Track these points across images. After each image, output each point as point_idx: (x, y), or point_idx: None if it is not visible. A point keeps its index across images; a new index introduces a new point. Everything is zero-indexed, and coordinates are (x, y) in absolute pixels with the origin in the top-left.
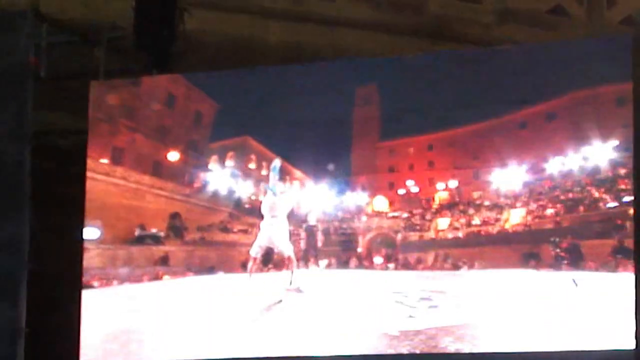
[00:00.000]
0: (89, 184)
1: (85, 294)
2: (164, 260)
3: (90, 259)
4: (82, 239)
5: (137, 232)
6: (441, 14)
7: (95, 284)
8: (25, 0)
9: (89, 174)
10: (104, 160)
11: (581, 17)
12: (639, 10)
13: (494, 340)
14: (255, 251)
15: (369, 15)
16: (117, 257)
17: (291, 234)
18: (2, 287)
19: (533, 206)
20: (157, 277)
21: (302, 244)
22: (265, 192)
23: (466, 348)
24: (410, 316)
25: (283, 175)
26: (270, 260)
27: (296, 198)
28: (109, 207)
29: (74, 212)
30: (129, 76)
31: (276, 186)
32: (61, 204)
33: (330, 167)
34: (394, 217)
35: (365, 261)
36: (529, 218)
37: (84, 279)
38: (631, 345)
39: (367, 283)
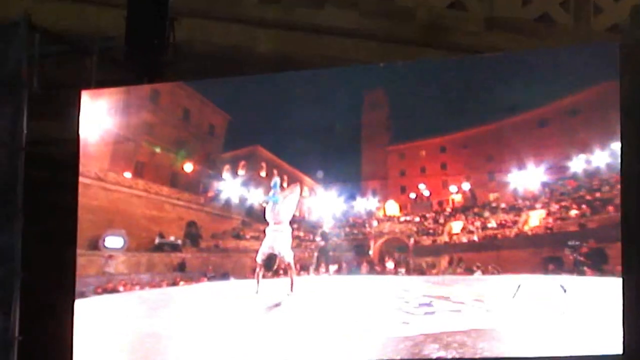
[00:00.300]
0: (114, 196)
1: (99, 300)
2: (182, 267)
3: (117, 265)
4: (75, 247)
5: (156, 240)
6: (429, 22)
7: (121, 288)
8: (18, 10)
9: (114, 187)
10: (128, 174)
11: (568, 24)
12: (626, 18)
13: (482, 347)
14: (260, 257)
15: (357, 23)
16: (140, 263)
17: (303, 241)
18: None
19: (555, 207)
20: (174, 283)
21: (315, 250)
22: (267, 204)
23: (450, 355)
24: (404, 322)
25: (283, 189)
26: (272, 266)
27: (297, 203)
28: (133, 218)
29: (66, 220)
30: (121, 85)
31: (278, 196)
32: (53, 213)
33: (321, 173)
34: (405, 221)
35: (377, 266)
36: (551, 220)
37: (111, 284)
38: (618, 350)
39: (372, 289)
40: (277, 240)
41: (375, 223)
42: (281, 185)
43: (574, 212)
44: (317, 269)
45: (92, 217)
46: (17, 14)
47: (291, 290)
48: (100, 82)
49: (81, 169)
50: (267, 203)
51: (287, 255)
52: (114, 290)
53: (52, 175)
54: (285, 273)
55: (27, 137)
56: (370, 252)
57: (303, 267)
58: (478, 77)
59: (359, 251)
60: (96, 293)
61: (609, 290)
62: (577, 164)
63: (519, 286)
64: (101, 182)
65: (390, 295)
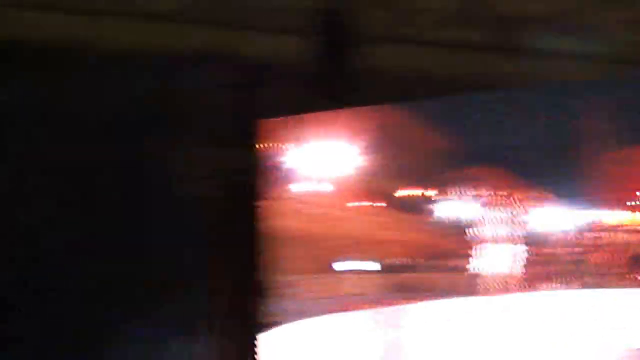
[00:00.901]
0: (363, 225)
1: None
2: (403, 286)
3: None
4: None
5: (383, 262)
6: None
7: (352, 307)
8: (198, 41)
9: (366, 217)
10: (364, 203)
11: None
12: None
13: None
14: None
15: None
16: (370, 284)
17: (531, 256)
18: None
19: None
20: (398, 302)
21: (549, 265)
22: (490, 221)
23: None
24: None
25: (499, 205)
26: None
27: (515, 219)
28: (364, 242)
29: (248, 248)
30: (303, 113)
31: (491, 213)
32: (235, 241)
33: (566, 186)
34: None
35: (625, 279)
36: None
37: (344, 304)
38: None
39: (607, 302)
40: (497, 258)
41: (610, 234)
42: (498, 202)
43: None
44: (553, 284)
45: (331, 244)
46: (197, 44)
47: (507, 307)
48: (282, 110)
49: (328, 202)
50: (483, 221)
51: (506, 272)
52: (346, 309)
53: (235, 205)
54: (507, 290)
55: (211, 167)
56: (617, 264)
57: (547, 280)
58: None
59: (601, 264)
60: (330, 312)
61: None
62: None
63: None
64: (344, 212)
65: (614, 308)
